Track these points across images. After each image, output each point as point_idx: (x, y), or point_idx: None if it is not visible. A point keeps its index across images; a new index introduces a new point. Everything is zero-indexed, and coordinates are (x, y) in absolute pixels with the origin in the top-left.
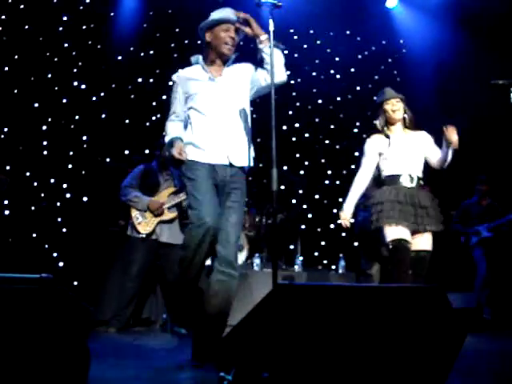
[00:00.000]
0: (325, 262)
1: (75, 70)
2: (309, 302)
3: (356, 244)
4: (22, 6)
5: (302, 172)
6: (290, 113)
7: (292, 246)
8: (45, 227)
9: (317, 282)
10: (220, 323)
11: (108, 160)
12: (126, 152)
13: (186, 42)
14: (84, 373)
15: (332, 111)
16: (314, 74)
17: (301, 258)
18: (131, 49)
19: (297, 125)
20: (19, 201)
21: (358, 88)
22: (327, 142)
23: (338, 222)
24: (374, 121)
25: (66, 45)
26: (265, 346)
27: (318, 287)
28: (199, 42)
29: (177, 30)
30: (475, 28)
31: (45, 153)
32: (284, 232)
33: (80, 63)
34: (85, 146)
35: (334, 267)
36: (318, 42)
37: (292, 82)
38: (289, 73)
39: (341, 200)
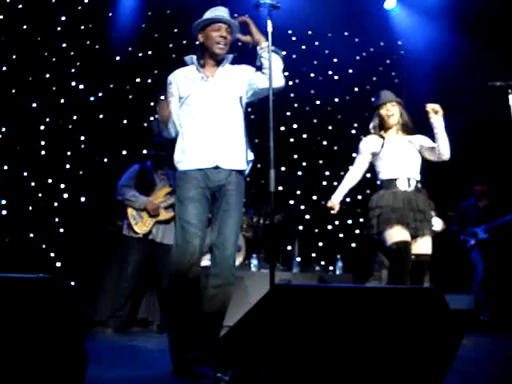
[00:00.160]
0: (322, 262)
1: (73, 70)
2: (306, 303)
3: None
4: (20, 6)
5: (299, 173)
6: (288, 114)
7: (289, 247)
8: (42, 227)
9: (314, 283)
10: (215, 327)
11: (105, 160)
12: (124, 152)
13: (185, 42)
14: (81, 373)
15: (330, 112)
16: (312, 75)
17: (298, 259)
18: (129, 49)
19: (295, 126)
20: (16, 201)
21: (356, 89)
22: (325, 143)
23: (328, 206)
24: (369, 125)
25: (64, 45)
26: (262, 347)
27: (316, 288)
28: (197, 42)
29: (175, 30)
30: (473, 29)
31: (42, 153)
32: (281, 233)
33: (78, 63)
34: (82, 146)
35: (331, 268)
36: (317, 43)
37: (290, 83)
38: (287, 74)
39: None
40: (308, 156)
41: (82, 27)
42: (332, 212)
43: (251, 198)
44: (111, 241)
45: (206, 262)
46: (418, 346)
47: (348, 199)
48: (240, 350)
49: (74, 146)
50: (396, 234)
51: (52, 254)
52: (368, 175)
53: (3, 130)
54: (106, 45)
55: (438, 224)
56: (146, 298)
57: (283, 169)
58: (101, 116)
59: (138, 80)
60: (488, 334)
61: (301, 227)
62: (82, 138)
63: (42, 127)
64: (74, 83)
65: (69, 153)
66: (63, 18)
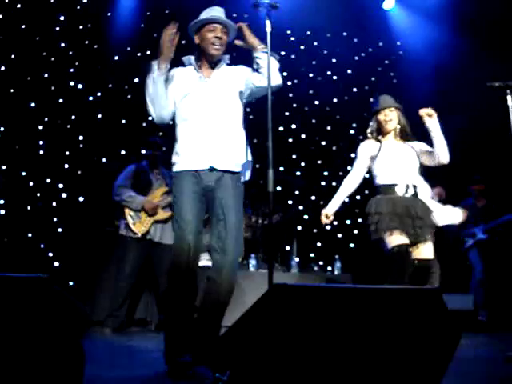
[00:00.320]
0: (321, 263)
1: (72, 70)
2: (305, 303)
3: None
4: (18, 6)
5: (298, 173)
6: (287, 114)
7: (288, 247)
8: (40, 227)
9: (313, 283)
10: (213, 328)
11: (104, 160)
12: (123, 152)
13: (183, 42)
14: (79, 373)
15: (328, 113)
16: (310, 75)
17: (297, 259)
18: (128, 49)
19: (293, 126)
20: (15, 200)
21: (355, 90)
22: (324, 143)
23: (322, 217)
24: (368, 129)
25: (62, 45)
26: (260, 347)
27: (314, 288)
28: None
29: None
30: (472, 29)
31: (41, 152)
32: (280, 233)
33: (77, 63)
34: (81, 145)
35: (329, 268)
36: (315, 43)
37: (289, 83)
38: (286, 74)
39: None
40: (306, 156)
41: (81, 27)
42: (324, 222)
43: (250, 197)
44: (109, 241)
45: (204, 262)
46: (416, 346)
47: (346, 199)
48: (238, 350)
49: (73, 145)
50: (395, 239)
51: (50, 254)
52: (367, 175)
53: (2, 129)
54: (104, 45)
55: (458, 215)
56: (144, 298)
57: (282, 169)
58: (99, 116)
59: (136, 80)
60: (486, 334)
61: (299, 227)
62: (81, 137)
63: (41, 127)
64: (72, 83)
65: (67, 152)
66: (62, 18)
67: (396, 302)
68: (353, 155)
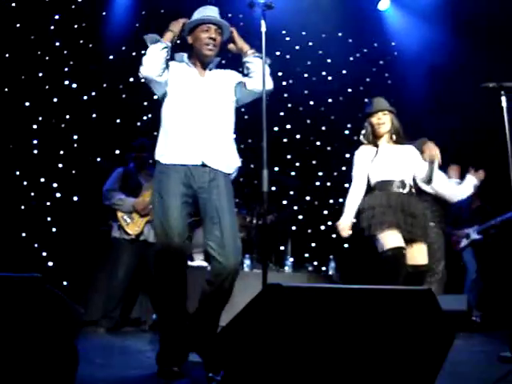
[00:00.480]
0: (315, 263)
1: (66, 69)
2: (299, 304)
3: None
4: (13, 4)
5: (292, 173)
6: (282, 114)
7: (282, 247)
8: (34, 227)
9: (307, 284)
10: (210, 327)
11: (98, 159)
12: (117, 152)
13: (178, 42)
14: (72, 373)
15: (323, 113)
16: (305, 75)
17: (291, 259)
18: (123, 48)
19: (288, 126)
20: (9, 200)
21: (350, 90)
22: (318, 143)
23: (340, 231)
24: (361, 132)
25: (57, 44)
26: (254, 347)
27: (308, 288)
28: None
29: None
30: (467, 30)
31: (35, 152)
32: (274, 233)
33: (71, 62)
34: (75, 145)
35: (324, 268)
36: (310, 43)
37: (284, 83)
38: (280, 74)
39: (331, 201)
40: (301, 156)
41: (76, 26)
42: (343, 235)
43: (244, 198)
44: (104, 240)
45: (198, 262)
46: (410, 346)
47: (341, 199)
48: (232, 350)
49: (67, 145)
50: (390, 239)
51: (44, 254)
52: None
53: None
54: (99, 44)
55: (471, 183)
56: (138, 298)
57: (276, 169)
58: (94, 115)
59: (131, 79)
60: (480, 334)
61: (294, 227)
62: (75, 137)
63: (35, 126)
64: (67, 82)
65: (61, 152)
66: (57, 17)
67: (390, 303)
68: (347, 155)
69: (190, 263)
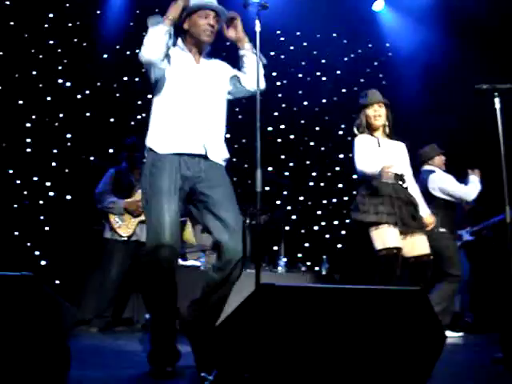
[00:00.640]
0: (308, 263)
1: (60, 68)
2: (291, 303)
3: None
4: (7, 3)
5: (286, 173)
6: (276, 114)
7: (275, 247)
8: (27, 225)
9: (300, 284)
10: (213, 316)
11: (92, 158)
12: (111, 151)
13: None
14: (64, 372)
15: (317, 113)
16: (299, 75)
17: (284, 259)
18: (117, 47)
19: (282, 126)
20: (1, 198)
21: (344, 90)
22: (312, 143)
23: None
24: (354, 123)
25: (51, 42)
26: (247, 347)
27: (301, 288)
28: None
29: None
30: (461, 30)
31: (28, 150)
32: (268, 233)
33: (65, 61)
34: (69, 144)
35: (317, 269)
36: (305, 43)
37: (278, 83)
38: (275, 74)
39: (325, 202)
40: (295, 156)
41: (70, 24)
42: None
43: (237, 197)
44: (96, 240)
45: (191, 261)
46: (402, 347)
47: (334, 200)
48: (225, 349)
49: (61, 143)
50: (386, 238)
51: (37, 253)
52: (354, 176)
53: None
54: (93, 43)
55: (476, 180)
56: (131, 298)
57: (270, 169)
58: (87, 114)
59: (125, 78)
60: (472, 335)
61: (287, 227)
62: (69, 135)
63: (28, 124)
64: (60, 81)
65: (55, 151)
66: (51, 15)
67: (382, 303)
68: (341, 156)
69: (183, 263)
